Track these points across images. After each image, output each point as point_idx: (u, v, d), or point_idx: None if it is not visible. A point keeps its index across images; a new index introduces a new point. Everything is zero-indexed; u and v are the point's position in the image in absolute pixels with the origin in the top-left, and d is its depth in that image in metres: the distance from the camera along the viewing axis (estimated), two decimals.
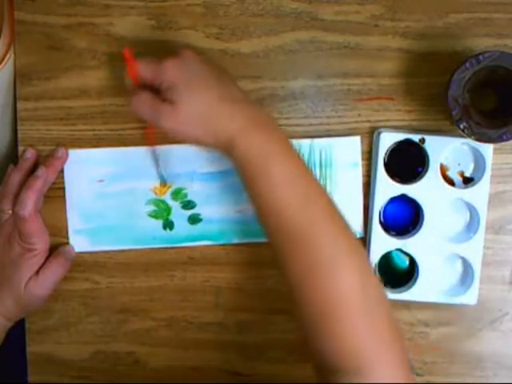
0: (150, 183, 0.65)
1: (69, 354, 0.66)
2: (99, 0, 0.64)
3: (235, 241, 0.65)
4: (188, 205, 0.65)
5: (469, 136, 0.58)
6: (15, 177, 0.63)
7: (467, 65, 0.57)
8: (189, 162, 0.64)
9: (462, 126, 0.58)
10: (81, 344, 0.66)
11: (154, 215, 0.65)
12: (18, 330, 0.65)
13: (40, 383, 0.66)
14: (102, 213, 0.65)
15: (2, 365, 0.65)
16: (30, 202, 0.60)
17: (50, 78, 0.64)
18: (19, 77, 0.64)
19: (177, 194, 0.65)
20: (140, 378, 0.67)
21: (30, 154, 0.64)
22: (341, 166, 0.64)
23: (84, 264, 0.66)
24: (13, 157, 0.66)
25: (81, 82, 0.64)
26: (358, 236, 0.65)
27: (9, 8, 0.63)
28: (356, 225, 0.64)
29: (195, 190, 0.65)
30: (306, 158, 0.64)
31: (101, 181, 0.65)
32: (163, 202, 0.65)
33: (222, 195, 0.65)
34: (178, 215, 0.65)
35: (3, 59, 0.62)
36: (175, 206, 0.65)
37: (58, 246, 0.65)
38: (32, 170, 0.63)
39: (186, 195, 0.65)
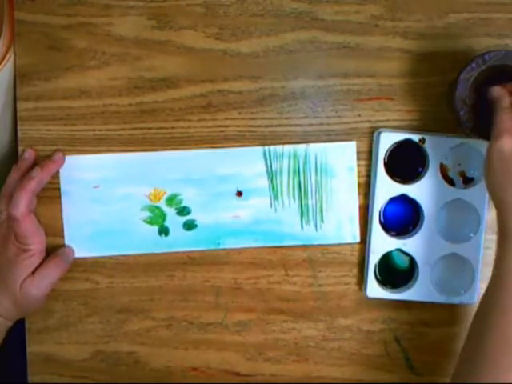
0: (145, 189, 0.65)
1: (69, 354, 0.66)
2: (99, 0, 0.64)
3: (230, 247, 0.65)
4: (183, 211, 0.65)
5: (476, 136, 0.58)
6: (13, 177, 0.63)
7: (473, 65, 0.57)
8: (184, 168, 0.64)
9: (469, 126, 0.57)
10: (81, 344, 0.66)
11: (149, 221, 0.65)
12: (18, 329, 0.65)
13: (40, 383, 0.67)
14: (97, 219, 0.65)
15: (2, 365, 0.65)
16: (22, 202, 0.60)
17: (50, 78, 0.64)
18: (19, 77, 0.64)
19: (172, 200, 0.65)
20: (140, 378, 0.67)
21: (29, 155, 0.64)
22: (336, 171, 0.64)
23: (84, 264, 0.66)
24: (13, 157, 0.66)
25: (81, 82, 0.64)
26: (355, 241, 0.65)
27: (9, 8, 0.63)
28: (352, 229, 0.65)
29: (190, 196, 0.65)
30: (301, 163, 0.64)
31: (96, 186, 0.65)
32: (158, 208, 0.65)
33: (216, 201, 0.65)
34: (173, 221, 0.65)
35: (3, 59, 0.62)
36: (170, 212, 0.65)
37: (55, 246, 0.65)
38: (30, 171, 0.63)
39: (181, 201, 0.65)
